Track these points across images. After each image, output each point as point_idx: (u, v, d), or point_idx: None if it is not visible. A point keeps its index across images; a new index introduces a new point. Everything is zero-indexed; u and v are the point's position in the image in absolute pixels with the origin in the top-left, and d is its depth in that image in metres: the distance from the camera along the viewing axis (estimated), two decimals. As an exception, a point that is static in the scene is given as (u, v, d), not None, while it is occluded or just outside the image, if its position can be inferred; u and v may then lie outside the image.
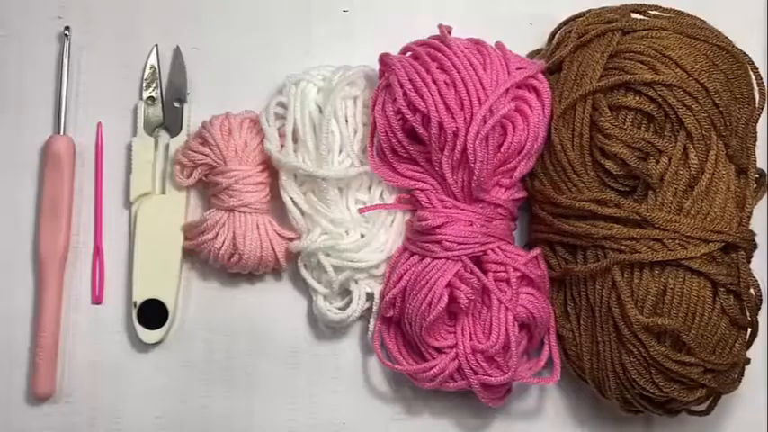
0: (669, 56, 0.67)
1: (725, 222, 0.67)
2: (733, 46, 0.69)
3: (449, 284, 0.69)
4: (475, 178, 0.68)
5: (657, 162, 0.67)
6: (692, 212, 0.67)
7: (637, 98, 0.68)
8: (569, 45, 0.70)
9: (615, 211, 0.68)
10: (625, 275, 0.67)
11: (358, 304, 0.72)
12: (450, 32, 0.71)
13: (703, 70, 0.67)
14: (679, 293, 0.67)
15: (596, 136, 0.68)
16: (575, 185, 0.69)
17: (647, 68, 0.67)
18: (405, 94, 0.68)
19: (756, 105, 0.69)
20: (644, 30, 0.69)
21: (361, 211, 0.72)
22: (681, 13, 0.71)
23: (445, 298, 0.69)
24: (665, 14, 0.71)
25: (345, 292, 0.73)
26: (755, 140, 0.69)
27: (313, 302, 0.73)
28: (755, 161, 0.69)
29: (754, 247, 0.69)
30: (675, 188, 0.67)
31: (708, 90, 0.67)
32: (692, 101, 0.67)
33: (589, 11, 0.73)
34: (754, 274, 0.68)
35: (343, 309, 0.73)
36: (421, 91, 0.68)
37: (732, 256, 0.68)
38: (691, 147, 0.67)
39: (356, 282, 0.72)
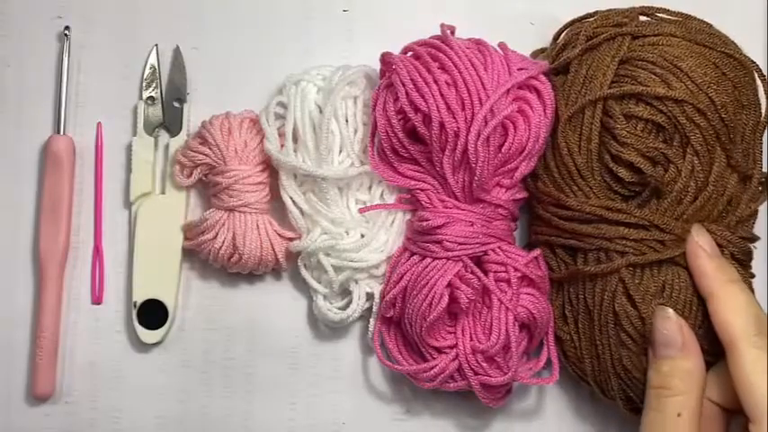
0: (680, 67, 0.67)
1: (712, 224, 0.68)
2: (740, 53, 0.69)
3: (449, 285, 0.69)
4: (476, 179, 0.68)
5: (666, 171, 0.67)
6: (693, 220, 0.68)
7: (648, 109, 0.67)
8: (577, 47, 0.70)
9: (625, 217, 0.68)
10: (630, 275, 0.67)
11: (358, 304, 0.72)
12: (453, 32, 0.71)
13: (712, 83, 0.67)
14: (677, 288, 0.67)
15: (610, 143, 0.68)
16: (580, 189, 0.69)
17: (659, 81, 0.67)
18: (407, 93, 0.68)
19: (763, 112, 0.69)
20: (653, 35, 0.68)
21: (361, 210, 0.72)
22: (689, 18, 0.70)
23: (446, 298, 0.69)
24: (673, 18, 0.71)
25: (345, 292, 0.73)
26: (761, 147, 0.69)
27: (313, 302, 0.73)
28: (761, 167, 0.69)
29: (745, 250, 0.69)
30: (681, 197, 0.67)
31: (716, 104, 0.67)
32: (701, 118, 0.66)
33: (595, 12, 0.72)
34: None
35: (343, 309, 0.73)
36: (422, 91, 0.68)
37: (725, 256, 0.68)
38: (696, 161, 0.67)
39: (356, 282, 0.72)
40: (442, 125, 0.68)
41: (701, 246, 0.67)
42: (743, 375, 0.63)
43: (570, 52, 0.71)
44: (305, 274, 0.73)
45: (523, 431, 0.75)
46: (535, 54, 0.75)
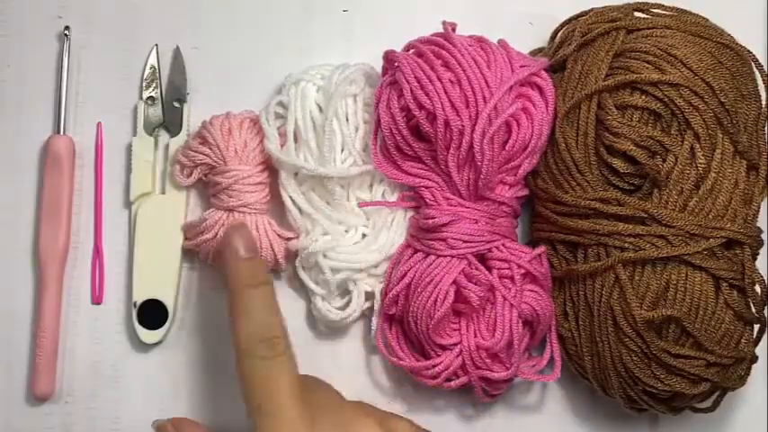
0: (675, 54, 0.68)
1: (727, 219, 0.67)
2: (737, 43, 0.70)
3: (454, 282, 0.69)
4: (482, 177, 0.69)
5: (664, 160, 0.68)
6: (696, 210, 0.67)
7: (643, 97, 0.68)
8: (573, 44, 0.71)
9: (620, 209, 0.68)
10: (627, 272, 0.68)
11: (358, 303, 0.72)
12: (454, 30, 0.72)
13: (709, 68, 0.68)
14: (682, 288, 0.67)
15: (603, 134, 0.68)
16: (578, 184, 0.69)
17: (653, 68, 0.68)
18: (411, 90, 0.68)
19: (763, 102, 0.70)
20: (648, 28, 0.69)
21: (361, 205, 0.72)
22: (684, 12, 0.71)
23: (451, 295, 0.69)
24: (668, 13, 0.72)
25: (345, 292, 0.73)
26: (765, 138, 0.70)
27: (311, 303, 0.73)
28: (767, 159, 0.69)
29: (760, 243, 0.69)
30: (682, 187, 0.67)
31: (713, 89, 0.67)
32: (699, 100, 0.67)
33: (590, 9, 0.73)
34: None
35: (342, 308, 0.73)
36: (427, 89, 0.68)
37: (736, 251, 0.68)
38: (698, 146, 0.67)
39: (355, 282, 0.72)
40: (446, 123, 0.68)
41: (233, 245, 0.67)
42: (249, 387, 0.63)
43: (566, 49, 0.71)
44: (302, 275, 0.73)
45: (524, 427, 0.75)
46: (533, 53, 0.75)
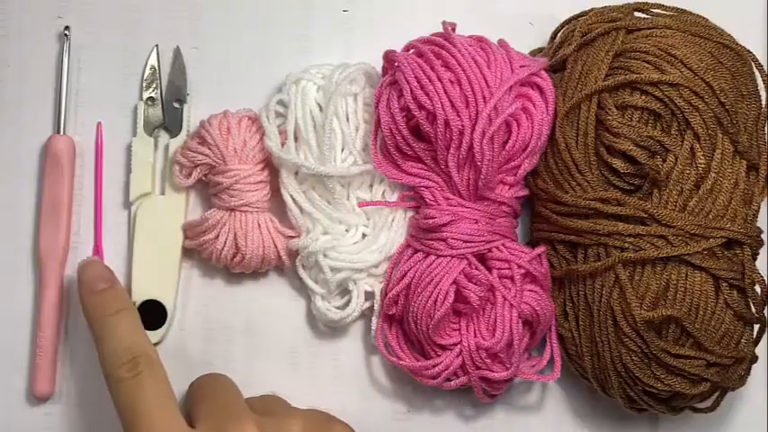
0: (675, 54, 0.68)
1: (727, 219, 0.67)
2: (737, 43, 0.70)
3: (454, 282, 0.69)
4: (482, 177, 0.69)
5: (664, 161, 0.68)
6: (696, 210, 0.67)
7: (643, 97, 0.68)
8: (573, 44, 0.71)
9: (620, 209, 0.68)
10: (627, 272, 0.68)
11: (357, 303, 0.72)
12: (454, 29, 0.72)
13: (709, 68, 0.68)
14: (682, 288, 0.67)
15: (603, 134, 0.68)
16: (578, 184, 0.69)
17: (653, 68, 0.68)
18: (411, 91, 0.68)
19: (763, 102, 0.70)
20: (648, 28, 0.69)
21: (360, 205, 0.72)
22: (684, 12, 0.71)
23: (451, 296, 0.69)
24: (668, 13, 0.72)
25: (345, 291, 0.73)
26: (765, 138, 0.70)
27: (311, 302, 0.73)
28: (767, 157, 0.69)
29: (760, 243, 0.69)
30: (681, 187, 0.68)
31: (713, 89, 0.67)
32: (699, 100, 0.67)
33: (591, 10, 0.73)
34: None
35: (342, 308, 0.73)
36: (427, 89, 0.68)
37: (736, 251, 0.68)
38: (698, 146, 0.68)
39: (355, 282, 0.72)
40: (446, 123, 0.68)
41: (86, 280, 0.69)
42: (119, 411, 0.64)
43: (566, 49, 0.71)
44: (302, 273, 0.73)
45: (524, 427, 0.75)
46: (533, 53, 0.75)
